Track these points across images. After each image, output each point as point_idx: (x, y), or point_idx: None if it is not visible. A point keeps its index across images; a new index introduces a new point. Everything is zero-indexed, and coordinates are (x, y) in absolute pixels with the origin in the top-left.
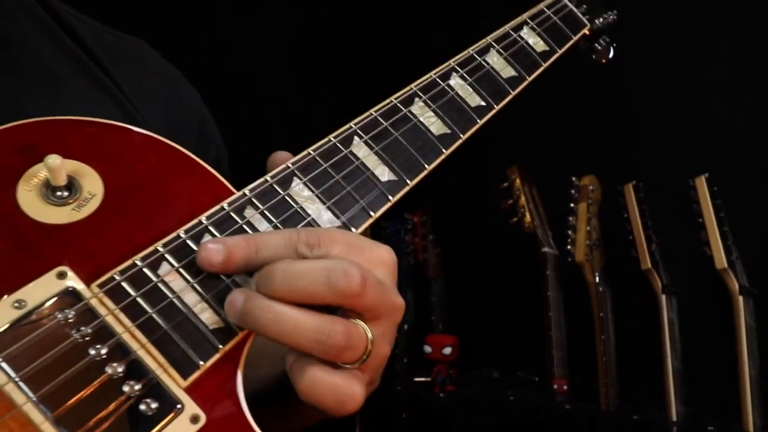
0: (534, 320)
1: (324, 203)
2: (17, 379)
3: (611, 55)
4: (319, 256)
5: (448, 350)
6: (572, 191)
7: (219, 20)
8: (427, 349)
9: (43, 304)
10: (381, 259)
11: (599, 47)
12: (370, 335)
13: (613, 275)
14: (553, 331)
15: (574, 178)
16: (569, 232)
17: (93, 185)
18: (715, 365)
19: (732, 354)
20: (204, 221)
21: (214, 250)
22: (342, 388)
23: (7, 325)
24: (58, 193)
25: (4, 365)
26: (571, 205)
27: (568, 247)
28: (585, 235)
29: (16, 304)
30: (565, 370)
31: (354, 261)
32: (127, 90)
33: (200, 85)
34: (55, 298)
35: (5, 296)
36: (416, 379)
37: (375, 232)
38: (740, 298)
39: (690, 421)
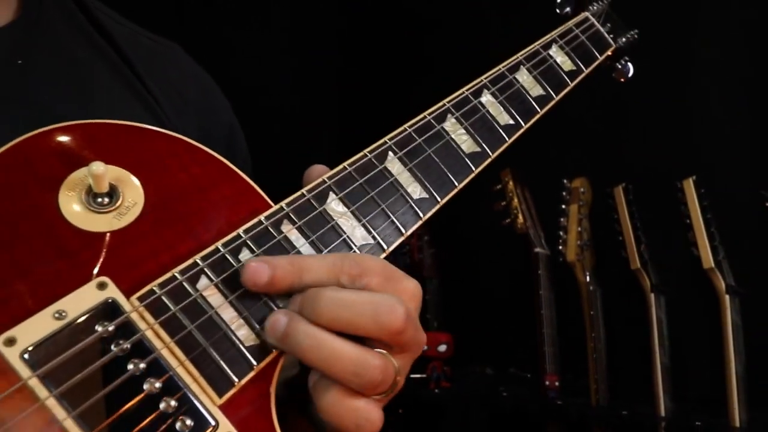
0: (526, 318)
1: (359, 220)
2: (57, 394)
3: (631, 74)
4: (359, 287)
5: (442, 347)
6: (563, 193)
7: (216, 24)
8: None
9: (83, 315)
10: (411, 292)
11: (619, 66)
12: (397, 370)
13: (604, 275)
14: (545, 328)
15: (565, 181)
16: (561, 233)
17: (134, 193)
18: (703, 362)
19: (719, 351)
20: (242, 235)
21: (259, 270)
22: (362, 413)
23: (48, 336)
24: (99, 200)
25: (44, 379)
26: (563, 206)
27: (560, 247)
28: (576, 235)
29: (57, 315)
30: (557, 366)
31: (393, 295)
32: (160, 95)
33: None
34: (96, 310)
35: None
36: (412, 376)
37: None
38: (727, 297)
39: (678, 416)
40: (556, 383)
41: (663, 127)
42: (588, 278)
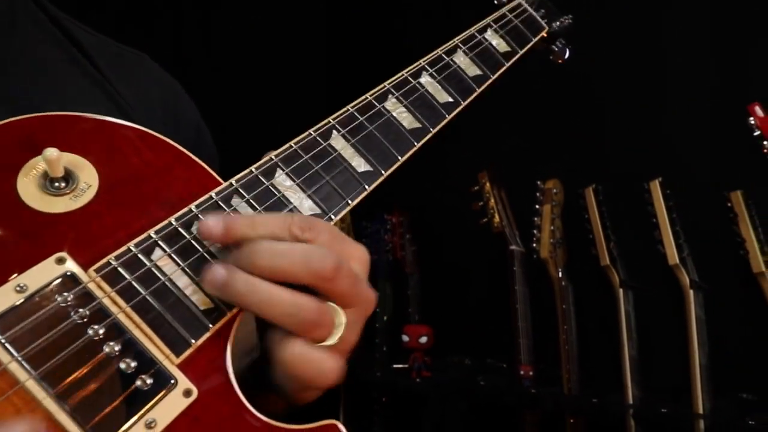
0: (502, 312)
1: (305, 192)
2: (19, 358)
3: (567, 56)
4: (307, 239)
5: (423, 339)
6: (537, 194)
7: (206, 20)
8: (405, 338)
9: (43, 288)
10: (356, 253)
11: (556, 49)
12: (341, 318)
13: (575, 271)
14: (520, 321)
15: (539, 182)
16: (534, 232)
17: (89, 176)
18: (668, 353)
19: (683, 343)
20: (194, 209)
21: (213, 222)
22: (323, 362)
23: (9, 308)
24: (56, 184)
25: (7, 345)
26: (537, 206)
27: (534, 245)
28: (549, 234)
29: (18, 288)
30: (531, 357)
31: (333, 250)
32: (128, 96)
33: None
34: (55, 282)
35: (7, 281)
36: (394, 366)
37: (358, 232)
38: (691, 292)
39: (645, 404)
40: (531, 373)
41: (631, 131)
42: (560, 274)
